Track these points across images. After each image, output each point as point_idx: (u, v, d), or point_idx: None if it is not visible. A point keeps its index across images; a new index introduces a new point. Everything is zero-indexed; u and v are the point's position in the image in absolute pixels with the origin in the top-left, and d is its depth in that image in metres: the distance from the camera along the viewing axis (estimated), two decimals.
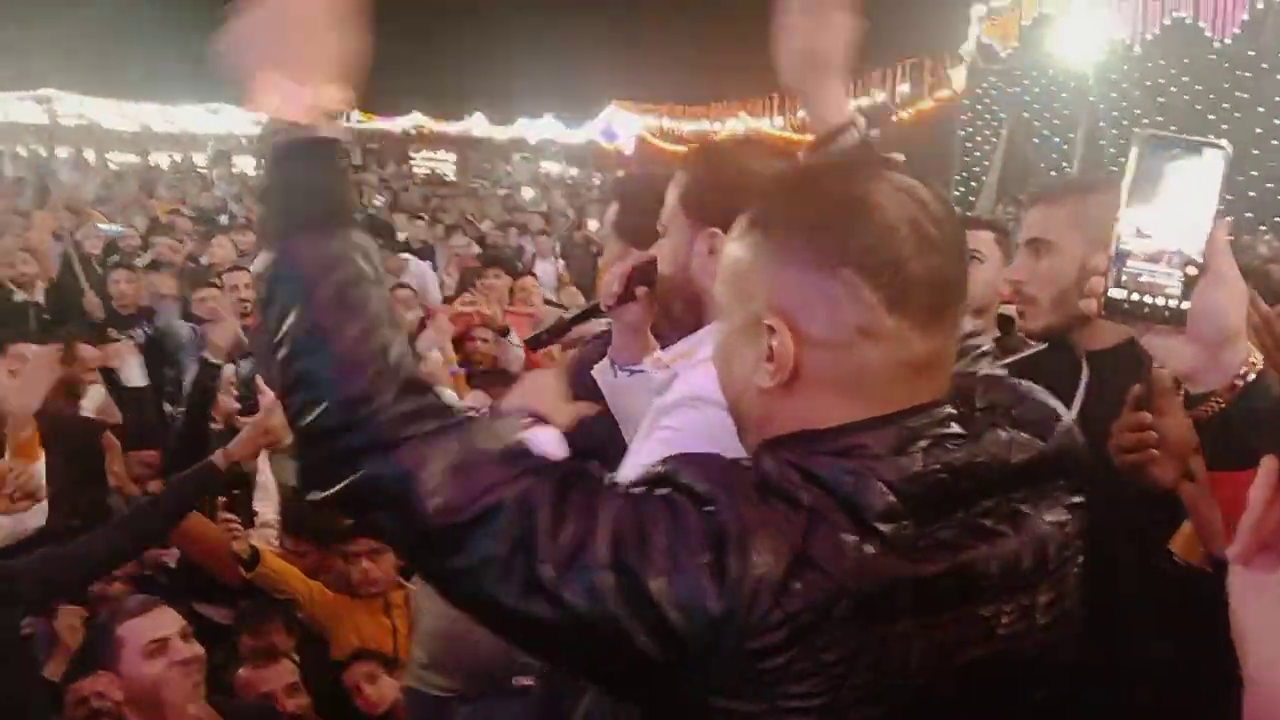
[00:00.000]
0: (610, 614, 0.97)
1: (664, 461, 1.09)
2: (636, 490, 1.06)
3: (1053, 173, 13.58)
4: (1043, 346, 1.98)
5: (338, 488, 1.06)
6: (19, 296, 6.52)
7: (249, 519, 3.71)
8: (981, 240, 2.97)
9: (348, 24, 1.16)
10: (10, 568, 2.97)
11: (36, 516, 3.30)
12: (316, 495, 1.09)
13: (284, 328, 1.09)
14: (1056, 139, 15.15)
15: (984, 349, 1.48)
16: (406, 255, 8.90)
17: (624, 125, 32.22)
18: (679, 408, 1.48)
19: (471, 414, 1.19)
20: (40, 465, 3.30)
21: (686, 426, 1.45)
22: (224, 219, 11.40)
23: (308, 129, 1.14)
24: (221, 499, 3.59)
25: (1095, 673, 1.29)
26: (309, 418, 1.07)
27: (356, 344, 1.08)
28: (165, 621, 2.67)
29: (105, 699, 2.63)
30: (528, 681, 2.78)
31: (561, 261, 10.11)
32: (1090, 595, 1.19)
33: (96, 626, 2.79)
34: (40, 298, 6.63)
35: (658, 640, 0.98)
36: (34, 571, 2.94)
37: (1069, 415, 1.21)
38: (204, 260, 7.85)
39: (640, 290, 1.74)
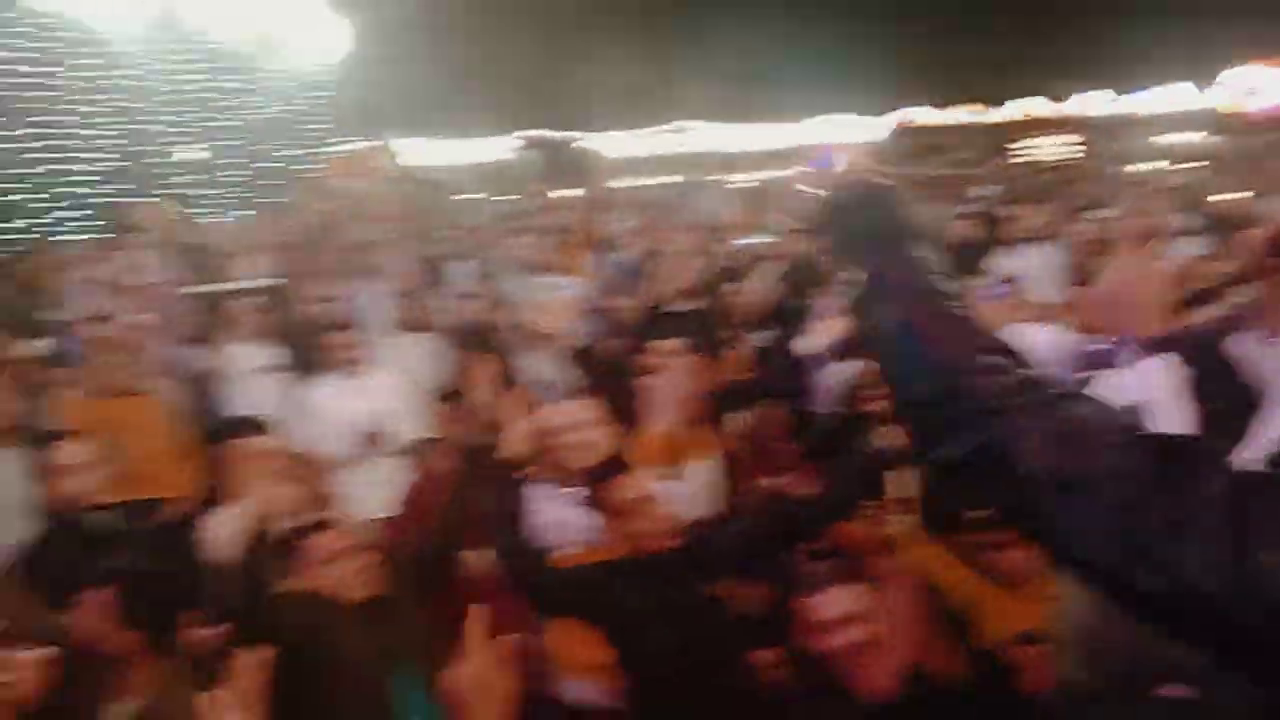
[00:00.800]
0: (1214, 588, 0.99)
1: None
2: (1249, 468, 1.05)
3: None
4: None
5: (947, 451, 1.18)
6: (673, 308, 7.37)
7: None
8: None
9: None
10: (710, 540, 3.39)
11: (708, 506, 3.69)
12: (931, 458, 1.22)
13: (891, 322, 1.26)
14: None
15: None
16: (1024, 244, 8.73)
17: (1266, 82, 28.51)
18: None
19: (1069, 390, 1.25)
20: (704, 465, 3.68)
21: None
22: None
23: None
24: None
25: None
26: (920, 390, 1.22)
27: (954, 327, 1.23)
28: (835, 601, 2.79)
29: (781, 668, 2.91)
30: (1178, 692, 2.60)
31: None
32: None
33: (779, 595, 3.00)
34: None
35: (1264, 614, 0.97)
36: (725, 545, 3.34)
37: None
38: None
39: (1274, 261, 1.64)
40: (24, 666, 2.67)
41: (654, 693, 3.02)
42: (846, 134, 28.99)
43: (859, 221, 1.37)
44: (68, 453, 3.86)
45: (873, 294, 1.31)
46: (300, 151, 23.22)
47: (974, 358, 1.20)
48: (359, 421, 5.37)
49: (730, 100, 28.43)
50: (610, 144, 30.00)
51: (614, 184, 24.46)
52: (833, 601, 2.81)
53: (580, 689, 3.65)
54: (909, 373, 1.24)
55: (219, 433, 4.19)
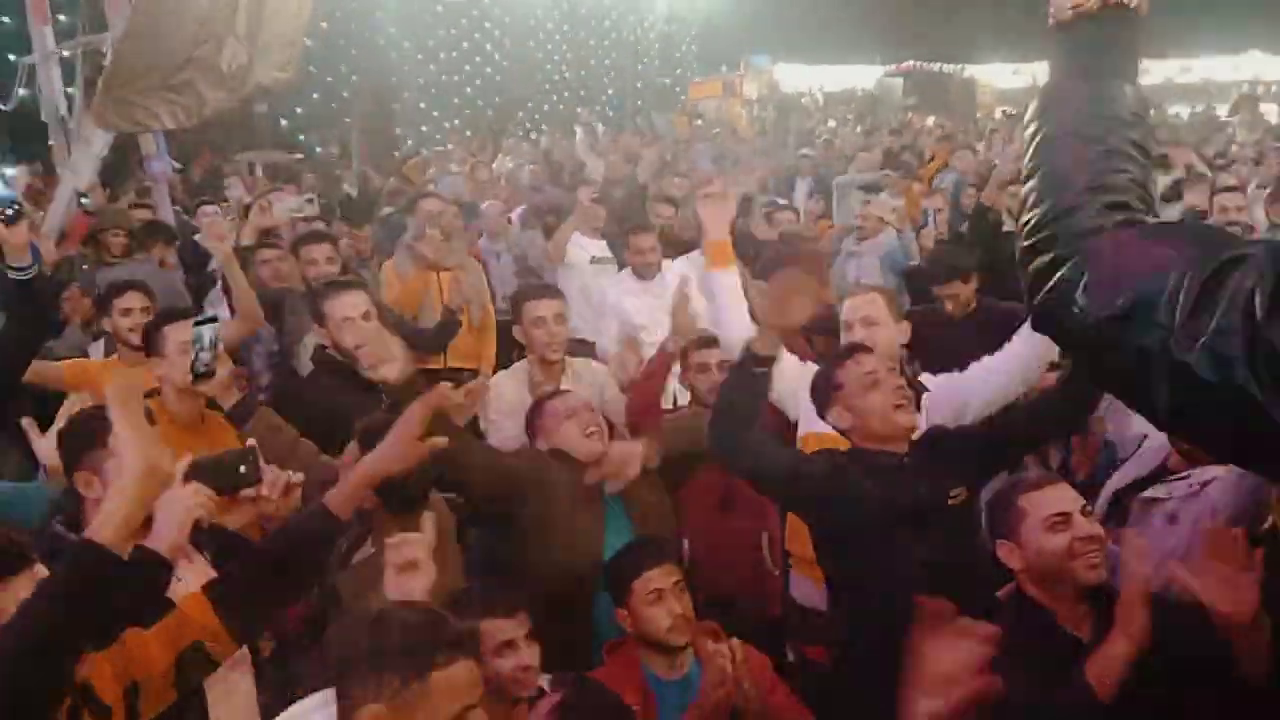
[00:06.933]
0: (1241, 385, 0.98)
1: None
2: None
3: None
4: None
5: (1049, 284, 1.20)
6: None
7: None
8: None
9: None
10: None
11: None
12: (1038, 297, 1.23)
13: (1033, 145, 1.29)
14: None
15: None
16: None
17: None
18: None
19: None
20: None
21: None
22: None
23: None
24: None
25: None
26: (1034, 214, 1.25)
27: (1081, 166, 1.23)
28: (1066, 497, 2.70)
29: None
30: None
31: None
32: None
33: (996, 497, 2.87)
34: None
35: None
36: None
37: None
38: None
39: None
40: (282, 487, 2.78)
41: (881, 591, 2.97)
42: (1260, 72, 25.94)
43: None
44: (352, 307, 4.11)
45: (1045, 107, 1.33)
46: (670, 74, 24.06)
47: (1090, 197, 1.22)
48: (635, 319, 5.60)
49: (1162, 34, 26.02)
50: (994, 76, 28.62)
51: (997, 114, 23.55)
52: (1052, 499, 2.69)
53: (807, 587, 3.71)
54: (1039, 194, 1.27)
55: (519, 297, 4.51)
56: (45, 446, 3.36)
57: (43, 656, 1.93)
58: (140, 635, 2.18)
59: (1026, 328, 3.58)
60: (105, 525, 2.00)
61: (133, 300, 4.69)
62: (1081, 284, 1.14)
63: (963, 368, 3.74)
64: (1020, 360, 3.57)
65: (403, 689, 1.87)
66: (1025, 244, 1.25)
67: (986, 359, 3.68)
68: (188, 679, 2.27)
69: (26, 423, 3.55)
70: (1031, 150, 1.30)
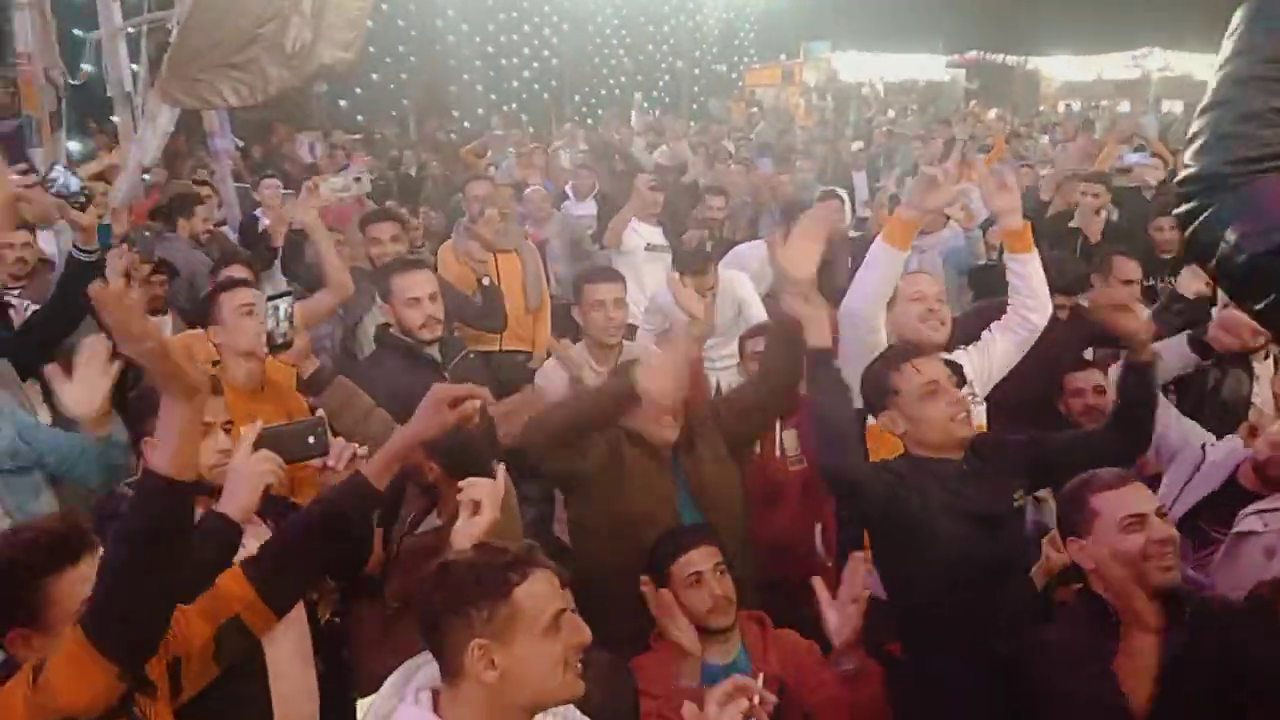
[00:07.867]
0: None
1: None
2: None
3: None
4: None
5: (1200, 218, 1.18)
6: None
7: None
8: None
9: None
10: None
11: None
12: None
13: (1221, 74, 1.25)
14: None
15: None
16: None
17: None
18: None
19: None
20: None
21: None
22: None
23: None
24: None
25: None
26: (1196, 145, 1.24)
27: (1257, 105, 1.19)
28: (1142, 497, 2.66)
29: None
30: None
31: None
32: None
33: (1069, 494, 2.82)
34: None
35: None
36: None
37: None
38: None
39: None
40: (348, 459, 2.84)
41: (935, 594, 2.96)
42: None
43: None
44: (418, 286, 4.09)
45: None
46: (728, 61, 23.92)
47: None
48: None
49: (1196, 27, 25.61)
50: (1058, 68, 28.25)
51: (1060, 108, 23.21)
52: (1127, 500, 2.62)
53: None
54: None
55: (580, 280, 4.50)
56: (71, 392, 3.19)
57: (137, 601, 1.92)
58: (181, 610, 2.18)
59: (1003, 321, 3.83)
60: (160, 454, 1.93)
61: (236, 273, 4.80)
62: (1233, 221, 1.11)
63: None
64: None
65: (493, 616, 1.88)
66: (1184, 174, 1.23)
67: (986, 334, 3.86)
68: (226, 653, 2.29)
69: (51, 369, 3.29)
70: (1216, 82, 1.26)
